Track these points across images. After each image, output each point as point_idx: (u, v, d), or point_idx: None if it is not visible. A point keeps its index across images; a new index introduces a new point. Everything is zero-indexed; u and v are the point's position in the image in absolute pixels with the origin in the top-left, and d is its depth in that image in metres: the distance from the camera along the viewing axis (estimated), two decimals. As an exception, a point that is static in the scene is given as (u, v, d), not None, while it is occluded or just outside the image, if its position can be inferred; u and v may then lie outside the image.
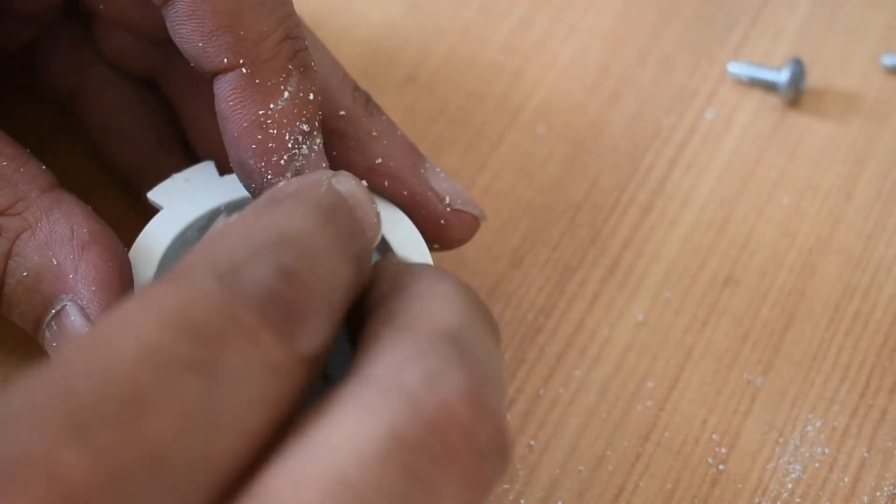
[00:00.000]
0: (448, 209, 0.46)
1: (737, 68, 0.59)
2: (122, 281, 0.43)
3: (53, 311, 0.42)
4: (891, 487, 0.48)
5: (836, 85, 0.60)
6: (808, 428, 0.49)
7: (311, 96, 0.43)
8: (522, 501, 0.47)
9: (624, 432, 0.49)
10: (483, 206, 0.55)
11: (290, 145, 0.43)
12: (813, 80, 0.60)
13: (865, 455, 0.48)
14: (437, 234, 0.46)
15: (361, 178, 0.44)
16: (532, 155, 0.57)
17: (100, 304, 0.42)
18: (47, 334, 0.43)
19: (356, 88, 0.48)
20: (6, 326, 0.51)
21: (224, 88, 0.43)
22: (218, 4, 0.42)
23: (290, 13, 0.43)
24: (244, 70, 0.42)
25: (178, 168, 0.47)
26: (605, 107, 0.59)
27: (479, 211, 0.47)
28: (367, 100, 0.48)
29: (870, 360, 0.51)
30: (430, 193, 0.46)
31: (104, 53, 0.51)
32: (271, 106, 0.42)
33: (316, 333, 0.34)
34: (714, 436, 0.49)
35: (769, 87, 0.59)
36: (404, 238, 0.45)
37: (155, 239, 0.45)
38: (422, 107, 0.59)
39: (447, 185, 0.47)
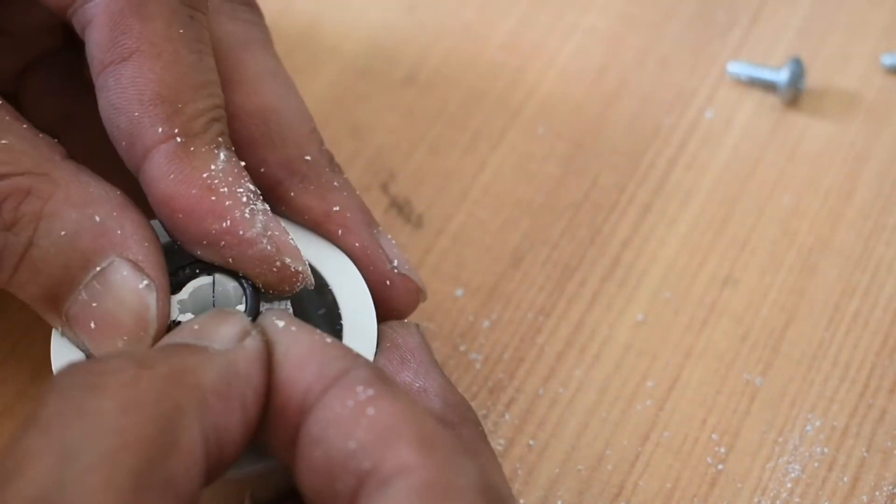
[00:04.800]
0: (395, 271, 0.46)
1: (736, 68, 0.59)
2: (158, 242, 0.42)
3: (97, 268, 0.41)
4: (890, 487, 0.48)
5: (836, 85, 0.60)
6: (808, 427, 0.49)
7: (243, 163, 0.43)
8: (522, 501, 0.47)
9: (623, 432, 0.49)
10: (483, 206, 0.55)
11: (244, 199, 0.42)
12: (813, 79, 0.60)
13: (865, 455, 0.48)
14: (382, 295, 0.46)
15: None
16: (532, 155, 0.57)
17: (154, 261, 0.42)
18: (82, 295, 0.41)
19: (322, 143, 0.47)
20: (7, 326, 0.51)
21: (160, 164, 0.41)
22: (162, 75, 0.42)
23: (221, 104, 0.43)
24: (178, 139, 0.41)
25: None
26: (605, 107, 0.59)
27: (423, 284, 0.47)
28: (331, 157, 0.47)
29: (869, 359, 0.51)
30: (380, 251, 0.46)
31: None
32: (212, 167, 0.42)
33: None
34: (713, 435, 0.49)
35: (769, 86, 0.59)
36: (354, 301, 0.45)
37: None
38: (422, 107, 0.59)
39: (396, 251, 0.47)
